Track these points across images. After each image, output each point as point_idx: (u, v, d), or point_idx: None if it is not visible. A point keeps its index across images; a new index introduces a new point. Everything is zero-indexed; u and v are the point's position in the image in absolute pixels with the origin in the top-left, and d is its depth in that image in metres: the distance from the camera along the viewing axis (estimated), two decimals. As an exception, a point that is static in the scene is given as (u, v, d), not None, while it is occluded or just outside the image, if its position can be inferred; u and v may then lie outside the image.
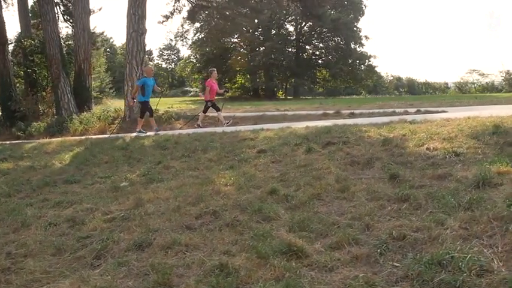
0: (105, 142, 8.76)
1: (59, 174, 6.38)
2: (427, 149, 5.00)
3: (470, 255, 2.37)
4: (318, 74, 37.68)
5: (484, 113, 8.19)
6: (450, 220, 2.91)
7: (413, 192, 3.51)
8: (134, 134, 9.91)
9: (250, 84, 37.01)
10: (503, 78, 40.27)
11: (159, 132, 9.98)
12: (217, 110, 11.24)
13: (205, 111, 11.39)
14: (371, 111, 11.60)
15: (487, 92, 38.00)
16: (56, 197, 5.02)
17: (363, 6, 34.20)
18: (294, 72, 34.25)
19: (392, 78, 59.27)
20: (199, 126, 10.94)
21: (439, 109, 10.84)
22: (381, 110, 11.62)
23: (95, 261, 3.03)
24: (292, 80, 35.74)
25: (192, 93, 48.01)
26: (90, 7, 15.79)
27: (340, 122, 8.98)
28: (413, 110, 10.92)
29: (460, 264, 2.29)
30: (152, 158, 6.72)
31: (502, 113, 7.81)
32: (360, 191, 3.76)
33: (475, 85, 44.61)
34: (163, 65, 56.53)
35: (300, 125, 8.69)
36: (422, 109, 10.86)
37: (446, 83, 52.62)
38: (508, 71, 38.64)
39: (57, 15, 18.82)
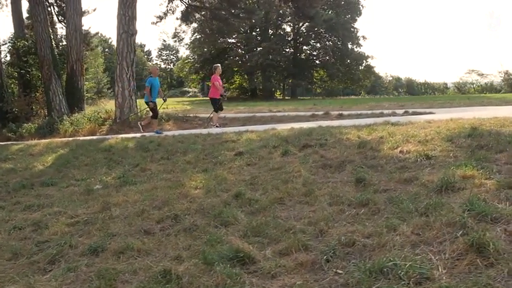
0: (90, 144, 8.76)
1: (38, 176, 6.38)
2: (400, 152, 4.97)
3: (411, 262, 2.34)
4: (316, 74, 37.64)
5: (471, 114, 8.19)
6: (403, 226, 2.88)
7: (375, 197, 3.49)
8: (155, 134, 9.93)
9: (248, 85, 37.01)
10: (502, 78, 40.14)
11: (160, 134, 9.94)
12: (216, 110, 11.14)
13: (221, 109, 11.21)
14: (360, 112, 11.57)
15: (486, 93, 37.95)
16: (28, 200, 5.02)
17: (360, 6, 34.17)
18: (291, 72, 34.22)
19: (391, 78, 59.36)
20: (217, 127, 10.67)
21: (427, 110, 10.81)
22: (369, 111, 11.60)
23: (48, 267, 3.02)
24: (290, 81, 35.71)
25: (190, 94, 48.04)
26: (86, 7, 15.84)
27: (326, 123, 8.95)
28: (401, 111, 10.90)
29: (399, 272, 2.26)
30: (132, 160, 6.71)
31: (487, 115, 7.80)
32: (323, 195, 3.74)
33: (474, 85, 44.56)
34: (162, 65, 56.61)
35: (285, 127, 8.68)
36: (411, 110, 10.83)
37: (446, 83, 52.61)
38: (507, 71, 38.52)
39: (51, 16, 18.88)
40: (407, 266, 2.31)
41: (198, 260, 2.72)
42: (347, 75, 35.04)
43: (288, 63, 34.65)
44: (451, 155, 4.62)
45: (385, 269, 2.32)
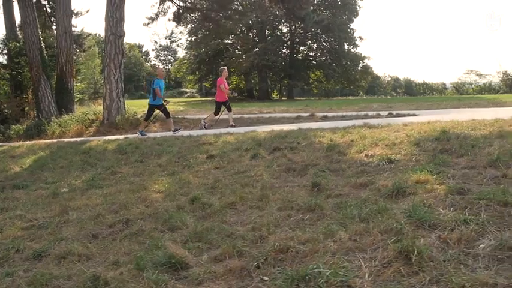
0: (71, 146, 8.78)
1: (12, 179, 6.40)
2: (366, 155, 4.98)
3: (335, 270, 2.34)
4: (312, 75, 37.61)
5: (452, 116, 8.17)
6: (342, 232, 2.88)
7: (324, 202, 3.49)
8: (170, 134, 9.90)
9: (245, 85, 37.03)
10: (500, 78, 40.15)
11: (145, 135, 9.92)
12: (217, 113, 11.02)
13: (230, 110, 10.97)
14: (345, 114, 11.58)
15: (484, 93, 38.03)
16: (-5, 203, 5.03)
17: (356, 7, 34.12)
18: (288, 73, 34.24)
19: (390, 79, 59.36)
20: (233, 126, 10.52)
21: (412, 112, 10.79)
22: (355, 113, 11.60)
23: (-9, 271, 3.03)
24: (286, 82, 35.73)
25: (188, 94, 48.09)
26: (79, 9, 15.85)
27: (307, 125, 8.97)
28: (386, 112, 10.89)
29: (320, 280, 2.26)
30: (107, 163, 6.72)
31: (468, 117, 7.80)
32: (276, 200, 3.73)
33: (473, 86, 44.60)
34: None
35: (268, 129, 8.69)
36: (395, 112, 10.83)
37: (444, 84, 52.61)
38: (506, 71, 38.53)
39: (44, 18, 18.93)
40: (329, 273, 2.31)
41: (132, 265, 2.73)
42: (343, 76, 35.02)
43: (285, 64, 34.65)
44: (414, 159, 4.62)
45: (307, 276, 2.32)
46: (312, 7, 30.63)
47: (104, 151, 7.80)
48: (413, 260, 2.38)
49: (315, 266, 2.38)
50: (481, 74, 43.80)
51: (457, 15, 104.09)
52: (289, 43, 36.23)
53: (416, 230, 2.81)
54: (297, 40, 36.07)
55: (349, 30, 33.92)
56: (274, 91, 39.96)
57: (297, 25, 34.03)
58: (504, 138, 5.06)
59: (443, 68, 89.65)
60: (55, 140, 10.50)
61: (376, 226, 2.89)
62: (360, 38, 35.04)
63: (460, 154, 4.55)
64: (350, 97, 39.12)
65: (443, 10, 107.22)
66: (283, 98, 36.79)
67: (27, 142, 10.52)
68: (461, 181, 3.67)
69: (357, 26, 67.35)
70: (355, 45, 34.69)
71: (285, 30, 36.54)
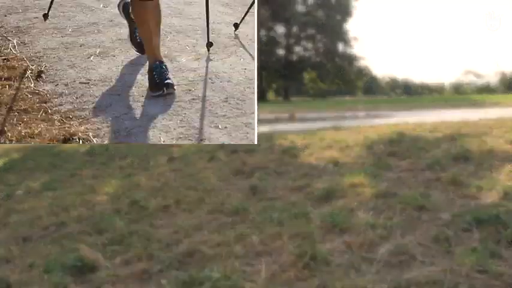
0: (45, 147, 8.82)
1: (-23, 181, 6.46)
2: (316, 158, 5.02)
3: (226, 274, 2.37)
4: (307, 75, 37.55)
5: (424, 118, 8.21)
6: (255, 236, 2.92)
7: (251, 206, 3.52)
8: None
9: (240, 86, 37.04)
10: (498, 79, 40.07)
11: None
12: None
13: None
14: (325, 115, 11.61)
15: (483, 93, 37.94)
16: None
17: (351, 7, 34.05)
18: (282, 74, 34.18)
19: (389, 79, 59.20)
20: None
21: (389, 113, 10.81)
22: (333, 115, 11.63)
23: None
24: (280, 82, 35.69)
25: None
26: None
27: (280, 127, 9.01)
28: (364, 114, 10.92)
29: (206, 284, 2.30)
30: (72, 165, 6.72)
31: (438, 118, 7.85)
32: (209, 203, 3.77)
33: (471, 86, 44.50)
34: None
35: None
36: (373, 113, 10.86)
37: (443, 84, 52.49)
38: (503, 72, 38.47)
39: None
40: (219, 277, 2.34)
41: (43, 267, 2.77)
42: (338, 76, 34.98)
43: (279, 65, 34.64)
44: (360, 161, 4.65)
45: (197, 281, 2.36)
46: (305, 8, 30.68)
47: (75, 153, 7.84)
48: (312, 265, 2.42)
49: (206, 270, 2.43)
50: (480, 75, 43.74)
51: (456, 15, 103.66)
52: (284, 43, 36.20)
53: (326, 235, 2.85)
54: (292, 41, 36.05)
55: (343, 30, 33.90)
56: (270, 91, 39.93)
57: (291, 25, 34.03)
58: (455, 141, 5.09)
59: (442, 68, 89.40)
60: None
61: (288, 230, 2.93)
62: (355, 38, 34.98)
63: (405, 157, 4.58)
64: (347, 97, 39.06)
65: (443, 10, 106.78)
66: (278, 99, 36.74)
67: (4, 145, 10.58)
68: (392, 184, 3.71)
69: (352, 26, 66.76)
70: (350, 46, 34.64)
71: (280, 30, 36.51)
